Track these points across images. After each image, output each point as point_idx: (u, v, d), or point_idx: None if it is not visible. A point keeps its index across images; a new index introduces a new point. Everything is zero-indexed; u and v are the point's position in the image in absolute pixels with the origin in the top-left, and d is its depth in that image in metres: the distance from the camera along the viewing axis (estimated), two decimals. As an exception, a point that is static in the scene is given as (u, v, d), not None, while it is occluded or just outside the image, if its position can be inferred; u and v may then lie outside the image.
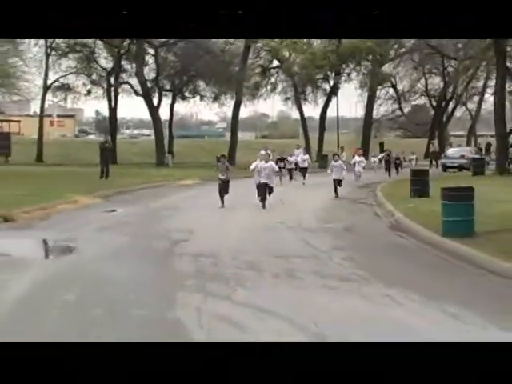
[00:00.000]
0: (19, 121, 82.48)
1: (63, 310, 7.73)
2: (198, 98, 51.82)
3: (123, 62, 49.15)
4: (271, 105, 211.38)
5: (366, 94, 59.62)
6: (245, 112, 66.31)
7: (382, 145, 57.00)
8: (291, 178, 31.94)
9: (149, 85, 46.70)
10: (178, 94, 50.40)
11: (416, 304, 8.00)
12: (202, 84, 50.35)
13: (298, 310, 7.58)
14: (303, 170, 31.81)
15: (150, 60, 49.00)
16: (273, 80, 59.27)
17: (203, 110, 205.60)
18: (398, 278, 9.53)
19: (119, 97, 51.03)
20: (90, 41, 50.21)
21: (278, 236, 14.05)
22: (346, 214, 18.56)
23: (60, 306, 7.92)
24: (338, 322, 7.11)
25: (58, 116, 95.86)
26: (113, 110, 50.36)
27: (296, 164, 32.77)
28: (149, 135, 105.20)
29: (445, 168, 40.92)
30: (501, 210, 15.80)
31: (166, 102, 50.74)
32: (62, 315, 7.54)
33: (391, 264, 11.09)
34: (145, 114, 49.55)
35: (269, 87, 59.54)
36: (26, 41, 48.16)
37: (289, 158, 32.75)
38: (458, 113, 69.43)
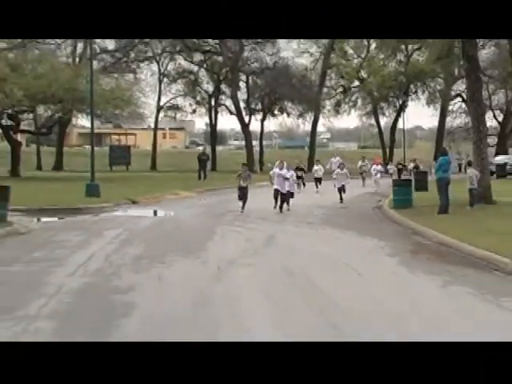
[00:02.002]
0: (135, 134, 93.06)
1: (165, 233, 16.92)
2: (285, 115, 60.83)
3: (222, 86, 58.88)
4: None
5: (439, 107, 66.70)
6: (354, 122, 73.27)
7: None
8: (317, 186, 33.15)
9: (242, 105, 56.15)
10: (267, 112, 59.63)
11: (349, 235, 16.46)
12: (288, 103, 59.31)
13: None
14: (318, 180, 33.57)
15: (243, 85, 58.42)
16: (353, 98, 67.46)
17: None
18: (346, 226, 18.10)
19: (224, 113, 60.62)
20: (195, 68, 60.47)
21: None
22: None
23: (163, 232, 17.15)
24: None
25: (170, 129, 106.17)
26: (213, 126, 60.23)
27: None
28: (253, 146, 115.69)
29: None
30: None
31: (258, 118, 60.01)
32: (165, 235, 16.67)
33: (352, 221, 19.61)
34: (252, 127, 58.54)
35: (350, 104, 67.82)
36: (145, 71, 58.96)
37: (314, 167, 34.96)
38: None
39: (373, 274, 11.18)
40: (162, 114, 65.73)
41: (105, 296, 9.17)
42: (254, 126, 62.69)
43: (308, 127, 63.76)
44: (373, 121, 68.17)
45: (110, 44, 58.64)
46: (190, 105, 62.97)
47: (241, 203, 21.49)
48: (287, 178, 22.07)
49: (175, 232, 17.10)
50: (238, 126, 63.28)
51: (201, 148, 57.38)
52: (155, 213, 23.23)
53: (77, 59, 55.63)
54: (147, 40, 57.49)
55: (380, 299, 9.17)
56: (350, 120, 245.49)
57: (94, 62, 56.50)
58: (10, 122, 45.06)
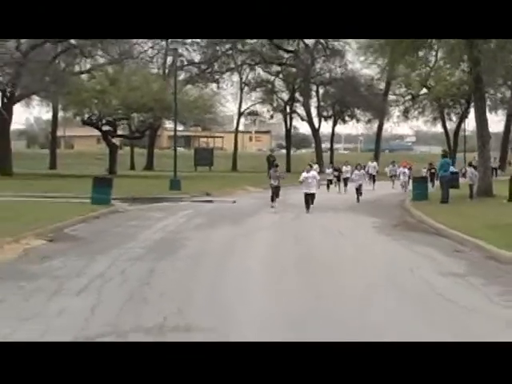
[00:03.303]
0: (222, 137, 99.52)
1: (222, 213, 22.63)
2: (355, 120, 66.08)
3: (296, 94, 64.63)
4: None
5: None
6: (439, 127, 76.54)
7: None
8: (345, 185, 35.13)
9: (313, 112, 61.81)
10: (338, 118, 64.99)
11: (358, 217, 21.87)
12: (357, 110, 64.53)
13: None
14: (345, 180, 35.74)
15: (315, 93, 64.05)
16: (421, 104, 71.84)
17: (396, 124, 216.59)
18: (362, 212, 23.41)
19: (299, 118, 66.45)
20: (272, 78, 66.43)
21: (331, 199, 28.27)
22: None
23: (221, 212, 22.86)
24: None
25: (256, 132, 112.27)
26: (288, 131, 66.04)
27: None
28: (336, 149, 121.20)
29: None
30: None
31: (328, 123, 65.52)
32: (221, 214, 22.35)
33: (370, 209, 24.89)
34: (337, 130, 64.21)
35: (419, 110, 72.23)
36: (226, 81, 65.37)
37: (343, 168, 36.75)
38: None
39: (351, 234, 16.76)
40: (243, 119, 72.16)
41: (171, 242, 15.06)
42: (339, 129, 68.23)
43: (395, 131, 68.85)
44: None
45: (195, 56, 65.30)
46: (268, 111, 69.09)
47: (272, 200, 23.23)
48: (318, 179, 24.20)
49: (230, 212, 22.91)
50: (324, 130, 68.73)
51: (283, 150, 63.26)
52: (220, 201, 29.10)
53: (166, 70, 62.48)
54: (230, 52, 64.02)
55: (342, 244, 14.80)
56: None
57: (182, 73, 63.81)
58: (108, 128, 52.28)
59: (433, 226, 18.18)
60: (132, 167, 65.27)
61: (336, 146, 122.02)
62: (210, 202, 28.13)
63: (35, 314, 8.10)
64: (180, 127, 69.81)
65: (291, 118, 66.54)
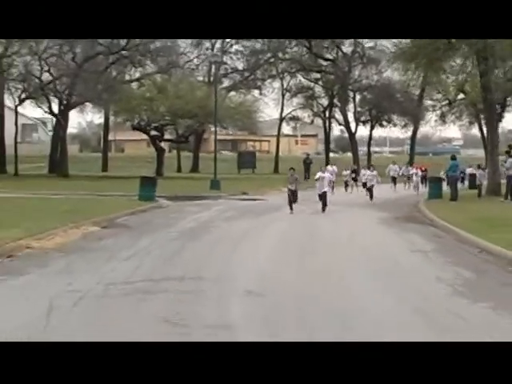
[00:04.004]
0: (269, 141, 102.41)
1: (251, 208, 25.82)
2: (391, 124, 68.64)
3: (334, 100, 67.49)
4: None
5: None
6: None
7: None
8: (363, 186, 34.87)
9: (351, 117, 64.70)
10: (375, 122, 67.63)
11: (370, 211, 24.84)
12: (393, 115, 67.10)
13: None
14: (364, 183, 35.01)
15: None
16: (458, 109, 73.97)
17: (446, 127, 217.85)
18: (377, 208, 26.27)
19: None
20: (312, 84, 69.38)
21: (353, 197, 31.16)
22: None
23: (251, 208, 26.03)
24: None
25: (302, 136, 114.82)
26: (327, 135, 68.96)
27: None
28: (380, 152, 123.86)
29: None
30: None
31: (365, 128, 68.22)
32: (250, 209, 25.51)
33: (385, 206, 27.74)
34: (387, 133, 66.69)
35: (456, 114, 74.38)
36: (268, 88, 68.53)
37: (362, 171, 37.75)
38: None
39: (355, 224, 19.77)
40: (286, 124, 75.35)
41: (201, 228, 18.29)
42: (387, 133, 70.87)
43: (444, 134, 71.19)
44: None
45: (239, 64, 68.63)
46: (309, 116, 72.06)
47: (289, 205, 23.14)
48: (332, 181, 25.58)
49: (257, 208, 26.04)
50: (370, 134, 70.81)
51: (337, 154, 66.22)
52: (254, 199, 32.19)
53: (211, 78, 65.99)
54: (272, 60, 67.17)
55: (341, 229, 17.85)
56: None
57: (226, 80, 67.32)
58: (155, 133, 56.02)
59: (430, 219, 21.03)
60: (179, 169, 68.82)
61: (382, 149, 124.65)
62: (244, 200, 31.31)
63: (94, 271, 11.36)
64: (228, 132, 73.98)
65: (330, 123, 69.43)
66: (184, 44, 59.95)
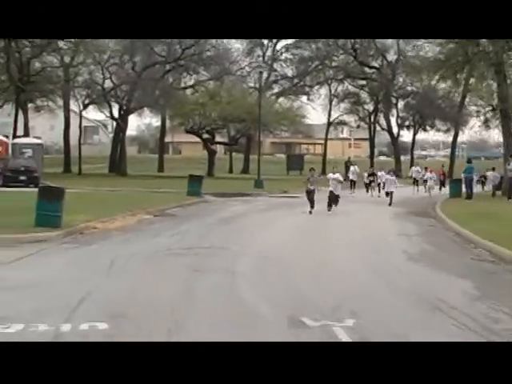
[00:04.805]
0: (322, 144, 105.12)
1: (285, 203, 29.33)
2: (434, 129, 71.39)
3: (379, 106, 70.56)
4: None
5: None
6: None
7: None
8: (379, 191, 35.38)
9: (393, 122, 67.75)
10: (419, 127, 70.49)
11: (390, 208, 28.09)
12: (436, 120, 69.86)
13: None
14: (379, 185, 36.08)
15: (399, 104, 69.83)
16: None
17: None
18: (397, 205, 29.49)
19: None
20: (357, 90, 72.56)
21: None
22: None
23: (284, 203, 29.52)
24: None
25: (355, 139, 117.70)
26: (372, 139, 72.09)
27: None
28: (433, 156, 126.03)
29: None
30: None
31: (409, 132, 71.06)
32: (284, 203, 29.00)
33: (404, 204, 30.88)
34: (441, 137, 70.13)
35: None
36: (315, 94, 71.96)
37: (378, 173, 37.00)
38: None
39: (370, 215, 23.16)
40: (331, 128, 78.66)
41: (236, 217, 21.91)
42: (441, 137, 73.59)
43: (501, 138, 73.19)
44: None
45: (288, 71, 72.20)
46: (355, 121, 75.23)
47: (309, 203, 23.74)
48: (341, 182, 25.32)
49: (290, 203, 29.52)
50: (424, 137, 74.00)
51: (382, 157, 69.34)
52: (290, 197, 35.54)
53: (262, 83, 69.79)
54: (320, 68, 70.59)
55: (352, 218, 21.26)
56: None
57: (275, 86, 71.03)
58: (207, 136, 60.11)
59: (436, 213, 24.21)
60: (230, 171, 72.71)
61: (437, 152, 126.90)
62: (281, 197, 34.82)
63: (144, 243, 15.11)
64: (282, 135, 77.84)
65: (375, 128, 72.46)
66: (236, 53, 64.11)
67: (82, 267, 11.90)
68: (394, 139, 67.55)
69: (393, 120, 68.64)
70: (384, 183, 31.38)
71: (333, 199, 24.26)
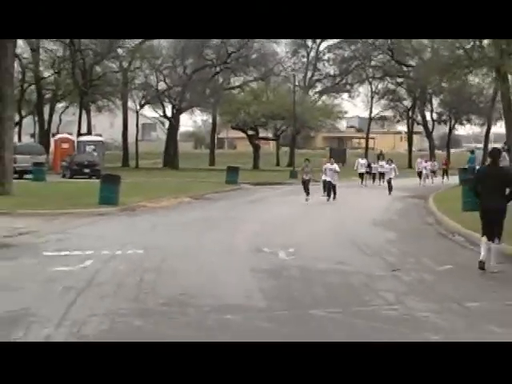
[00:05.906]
0: (373, 138, 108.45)
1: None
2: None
3: (417, 102, 74.61)
4: None
5: None
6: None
7: None
8: (380, 179, 38.29)
9: (428, 117, 71.76)
10: (455, 122, 74.32)
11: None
12: (471, 115, 73.64)
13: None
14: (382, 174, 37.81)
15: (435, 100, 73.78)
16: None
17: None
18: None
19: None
20: (397, 88, 76.66)
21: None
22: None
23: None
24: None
25: (406, 133, 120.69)
26: (410, 134, 76.25)
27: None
28: (480, 148, 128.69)
29: None
30: None
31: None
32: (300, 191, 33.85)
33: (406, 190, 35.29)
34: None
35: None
36: (357, 92, 76.34)
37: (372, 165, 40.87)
38: None
39: (371, 196, 27.82)
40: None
41: (259, 200, 26.88)
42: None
43: None
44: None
45: (330, 69, 76.85)
46: (394, 116, 79.38)
47: (305, 192, 26.56)
48: (337, 172, 27.76)
49: (315, 189, 34.26)
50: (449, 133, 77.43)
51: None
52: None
53: (306, 83, 74.72)
54: (362, 66, 74.98)
55: (351, 199, 26.05)
56: None
57: (319, 85, 75.84)
58: (252, 132, 65.45)
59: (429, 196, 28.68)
60: (277, 164, 77.65)
61: (477, 145, 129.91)
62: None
63: (182, 215, 20.29)
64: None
65: (413, 123, 76.49)
66: (282, 53, 69.27)
67: (131, 228, 17.14)
68: (429, 133, 71.59)
69: (428, 115, 72.62)
70: (384, 173, 34.08)
71: (328, 188, 26.91)
